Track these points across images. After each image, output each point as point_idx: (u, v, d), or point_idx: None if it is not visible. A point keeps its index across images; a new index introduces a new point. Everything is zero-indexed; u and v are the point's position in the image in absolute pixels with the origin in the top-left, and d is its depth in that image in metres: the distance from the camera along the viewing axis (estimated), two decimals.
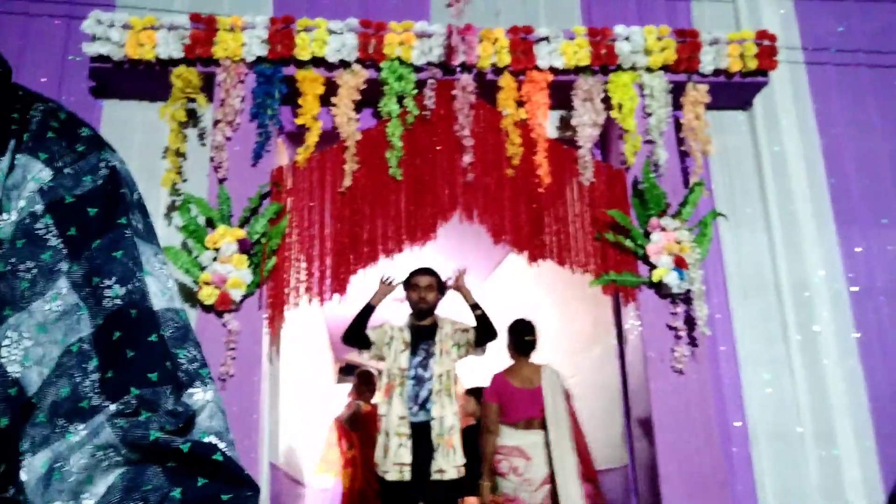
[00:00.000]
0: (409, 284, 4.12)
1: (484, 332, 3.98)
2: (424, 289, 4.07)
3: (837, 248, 4.58)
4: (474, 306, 4.01)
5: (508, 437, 4.04)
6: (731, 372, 4.30)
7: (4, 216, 0.53)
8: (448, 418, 3.82)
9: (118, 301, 0.51)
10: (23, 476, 0.48)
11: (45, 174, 0.54)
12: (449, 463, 3.77)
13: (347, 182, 4.03)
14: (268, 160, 4.13)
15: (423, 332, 4.05)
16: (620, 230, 4.10)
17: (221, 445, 0.50)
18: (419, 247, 4.03)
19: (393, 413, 3.82)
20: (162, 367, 0.50)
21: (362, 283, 4.11)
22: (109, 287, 0.52)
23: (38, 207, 0.53)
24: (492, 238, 4.13)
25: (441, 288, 4.14)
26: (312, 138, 4.13)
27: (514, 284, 6.33)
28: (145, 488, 0.46)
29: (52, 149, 0.55)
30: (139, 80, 4.23)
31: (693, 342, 3.97)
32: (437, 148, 4.18)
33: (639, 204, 4.14)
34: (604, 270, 4.08)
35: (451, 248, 5.97)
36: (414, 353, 3.95)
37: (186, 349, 0.53)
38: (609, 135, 4.45)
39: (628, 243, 4.07)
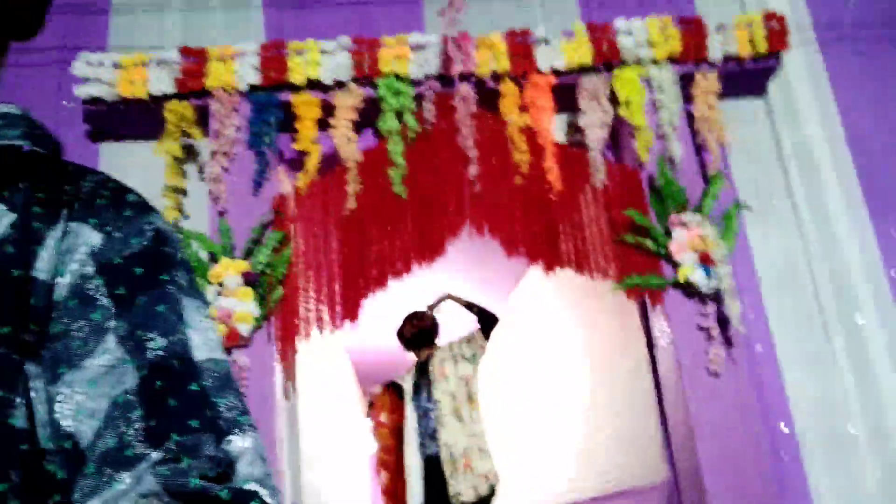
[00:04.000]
0: (401, 329, 4.27)
1: (487, 322, 4.18)
2: (416, 323, 4.20)
3: (872, 233, 4.33)
4: (468, 305, 4.21)
5: None
6: (771, 373, 4.05)
7: (59, 280, 0.55)
8: (459, 443, 3.71)
9: (160, 352, 0.53)
10: None
11: (96, 238, 0.57)
12: (467, 484, 3.64)
13: (351, 204, 3.88)
14: (269, 189, 4.01)
15: (422, 369, 4.07)
16: (640, 231, 3.90)
17: (263, 492, 0.50)
18: (428, 266, 3.86)
19: (409, 451, 3.86)
20: (202, 415, 0.52)
21: (373, 309, 3.94)
22: (152, 339, 0.54)
23: (89, 269, 0.55)
24: (505, 251, 3.95)
25: (433, 324, 4.28)
26: (312, 163, 4.00)
27: (537, 301, 6.12)
28: None
29: (101, 215, 0.58)
30: (134, 119, 4.15)
31: (728, 342, 3.73)
32: (441, 162, 4.03)
33: (657, 202, 3.94)
34: (626, 274, 3.87)
35: (467, 268, 5.81)
36: (416, 394, 4.00)
37: (227, 398, 0.54)
38: (619, 134, 4.27)
39: (649, 244, 3.86)
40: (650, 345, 4.15)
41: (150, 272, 0.57)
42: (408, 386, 4.18)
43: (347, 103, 4.06)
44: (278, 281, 3.70)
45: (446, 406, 3.81)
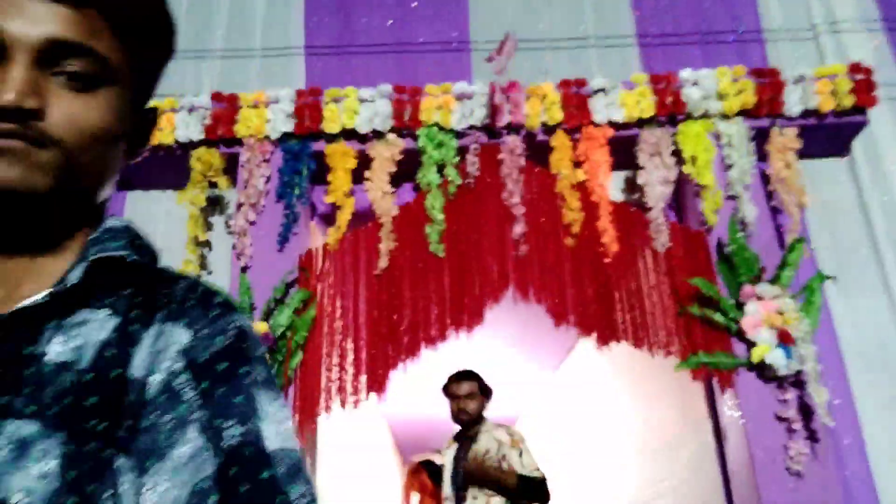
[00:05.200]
0: (447, 392, 3.61)
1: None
2: (464, 398, 3.56)
3: None
4: (520, 489, 3.34)
5: None
6: (861, 472, 3.48)
7: (152, 377, 0.60)
8: None
9: (235, 441, 0.57)
10: None
11: (185, 337, 0.62)
12: None
13: (383, 263, 3.54)
14: (298, 245, 3.71)
15: (465, 447, 3.50)
16: (707, 302, 3.44)
17: None
18: (466, 334, 3.46)
19: None
20: (273, 503, 0.55)
21: (402, 381, 3.54)
22: (229, 427, 0.57)
23: (178, 366, 0.60)
24: (553, 319, 3.53)
25: (485, 391, 3.61)
26: (344, 217, 3.69)
27: (589, 374, 5.63)
28: None
29: (191, 315, 0.64)
30: (161, 167, 3.92)
31: (812, 436, 3.21)
32: (484, 220, 3.67)
33: (727, 270, 3.49)
34: (691, 351, 3.40)
35: (512, 335, 5.39)
36: (455, 473, 3.42)
37: (297, 486, 0.56)
38: (683, 193, 3.85)
39: (718, 317, 3.40)
40: (718, 434, 3.64)
41: (231, 367, 0.61)
42: (448, 458, 3.70)
43: (385, 154, 3.76)
44: (298, 345, 3.35)
45: None
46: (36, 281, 0.63)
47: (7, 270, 0.63)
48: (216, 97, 3.87)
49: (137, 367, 0.59)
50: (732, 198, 3.68)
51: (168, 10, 0.70)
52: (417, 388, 5.12)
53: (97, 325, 0.60)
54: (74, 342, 0.59)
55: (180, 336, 0.61)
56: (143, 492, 0.55)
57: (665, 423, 4.38)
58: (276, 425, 0.59)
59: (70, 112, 0.61)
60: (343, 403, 3.35)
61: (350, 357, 3.43)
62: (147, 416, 0.58)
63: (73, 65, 0.61)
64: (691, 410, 3.90)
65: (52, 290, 0.61)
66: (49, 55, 0.61)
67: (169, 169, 3.91)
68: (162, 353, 0.60)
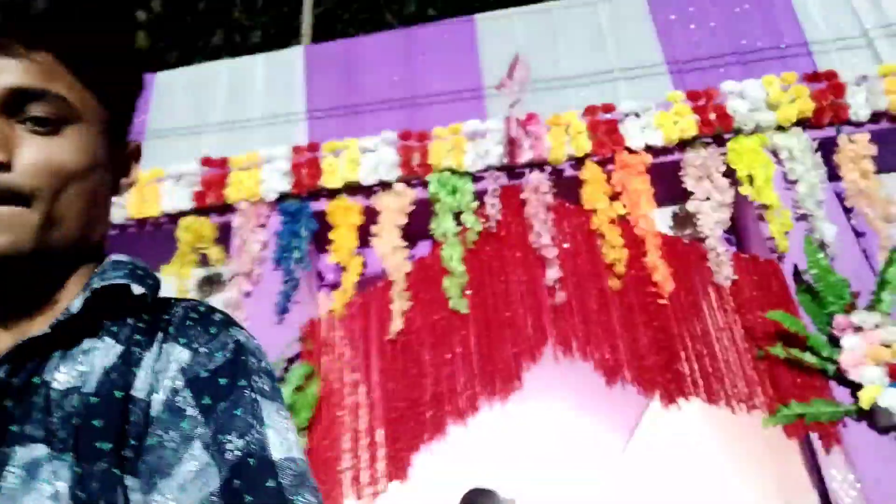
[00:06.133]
0: None
1: None
2: None
3: None
4: None
5: None
6: None
7: (154, 396, 0.59)
8: None
9: (238, 453, 0.55)
10: None
11: (185, 356, 0.61)
12: None
13: (397, 326, 3.02)
14: (300, 316, 3.23)
15: None
16: (792, 340, 2.81)
17: None
18: (500, 403, 2.87)
19: None
20: None
21: (429, 464, 2.94)
22: (230, 441, 0.56)
23: (179, 384, 0.59)
24: (604, 377, 2.93)
25: None
26: (350, 279, 3.22)
27: (667, 438, 4.85)
28: None
29: (189, 334, 0.62)
30: (147, 243, 3.53)
31: None
32: (511, 268, 3.15)
33: (810, 301, 2.88)
34: (781, 402, 2.75)
35: (570, 397, 4.70)
36: None
37: (302, 495, 0.55)
38: (742, 218, 3.30)
39: (808, 357, 2.76)
40: (825, 499, 2.92)
41: (232, 381, 0.60)
42: None
43: (393, 206, 3.31)
44: (301, 428, 2.80)
45: None
46: (42, 324, 0.62)
47: (15, 320, 0.63)
48: (206, 162, 3.51)
49: (140, 387, 0.59)
50: (803, 218, 3.11)
51: (126, 42, 0.69)
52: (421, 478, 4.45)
53: (101, 353, 0.60)
54: (80, 368, 0.59)
55: (180, 355, 0.61)
56: None
57: (759, 495, 3.62)
58: (280, 435, 0.58)
59: (39, 156, 0.61)
60: (358, 496, 2.76)
61: (364, 440, 2.85)
62: (152, 435, 0.57)
63: (35, 109, 0.61)
64: (789, 477, 3.18)
65: (55, 320, 0.60)
66: (11, 104, 0.60)
67: (157, 244, 3.51)
68: (163, 372, 0.60)
